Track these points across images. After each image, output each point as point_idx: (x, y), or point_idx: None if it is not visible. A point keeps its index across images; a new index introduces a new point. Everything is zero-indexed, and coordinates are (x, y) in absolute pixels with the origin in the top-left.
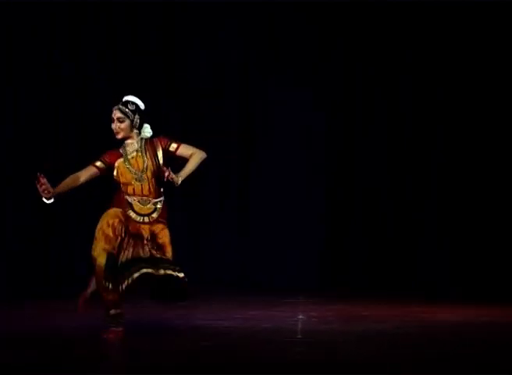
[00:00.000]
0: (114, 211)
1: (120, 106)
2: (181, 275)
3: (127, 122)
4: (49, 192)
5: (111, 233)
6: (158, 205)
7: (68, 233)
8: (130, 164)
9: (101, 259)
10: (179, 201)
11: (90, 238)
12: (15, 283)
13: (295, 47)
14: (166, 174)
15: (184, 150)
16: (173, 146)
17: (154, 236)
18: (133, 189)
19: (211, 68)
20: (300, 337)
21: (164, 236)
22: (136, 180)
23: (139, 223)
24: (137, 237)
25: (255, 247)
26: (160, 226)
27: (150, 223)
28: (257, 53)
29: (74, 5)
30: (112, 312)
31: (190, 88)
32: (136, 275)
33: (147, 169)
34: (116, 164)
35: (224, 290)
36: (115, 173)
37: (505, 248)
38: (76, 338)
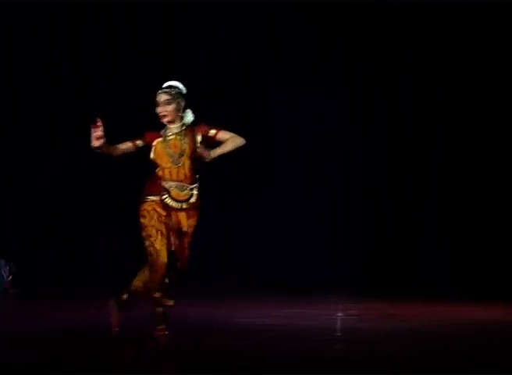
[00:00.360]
0: (153, 205)
1: (166, 89)
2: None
3: (173, 105)
4: (100, 139)
5: (164, 229)
6: (194, 191)
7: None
8: (168, 145)
9: (163, 257)
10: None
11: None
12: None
13: (295, 47)
14: (199, 150)
15: (223, 135)
16: (212, 132)
17: (184, 223)
18: (170, 173)
19: (211, 68)
20: (339, 334)
21: (191, 226)
22: (172, 162)
23: (176, 209)
24: (173, 226)
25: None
26: (192, 213)
27: (187, 209)
28: (257, 53)
29: (74, 5)
30: (160, 309)
31: (190, 88)
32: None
33: (184, 153)
34: (154, 143)
35: (253, 289)
36: (152, 154)
37: (505, 247)
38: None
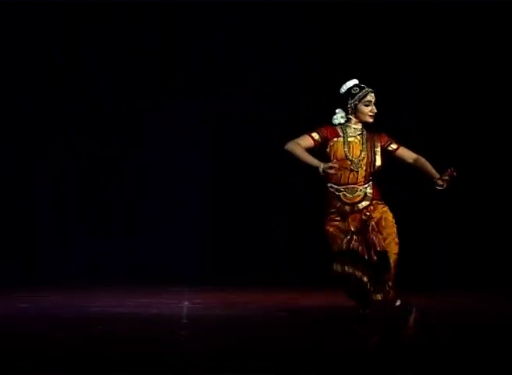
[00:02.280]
0: (334, 227)
1: (373, 90)
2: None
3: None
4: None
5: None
6: (368, 190)
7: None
8: (349, 148)
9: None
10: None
11: None
12: None
13: (294, 47)
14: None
15: (405, 152)
16: (393, 146)
17: (374, 218)
18: (341, 177)
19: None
20: (185, 321)
21: (386, 216)
22: (351, 165)
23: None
24: (360, 227)
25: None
26: (379, 206)
27: (363, 209)
28: (257, 53)
29: (74, 5)
30: None
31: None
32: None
33: (363, 159)
34: (333, 141)
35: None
36: (328, 149)
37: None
38: None
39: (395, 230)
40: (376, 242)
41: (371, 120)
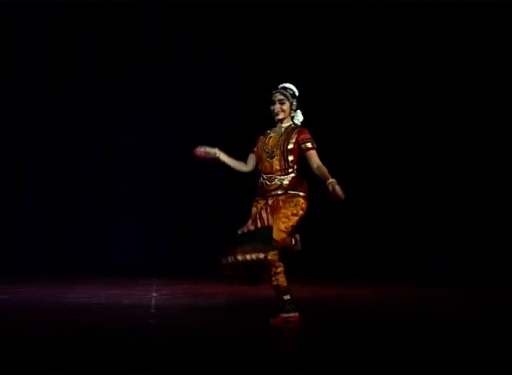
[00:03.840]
0: (255, 208)
1: (280, 89)
2: (261, 256)
3: (287, 104)
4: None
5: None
6: (285, 181)
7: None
8: (267, 141)
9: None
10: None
11: None
12: None
13: (294, 47)
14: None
15: (312, 157)
16: (305, 146)
17: (275, 207)
18: (263, 167)
19: (211, 68)
20: (153, 311)
21: (287, 205)
22: (267, 156)
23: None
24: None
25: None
26: (284, 197)
27: (276, 196)
28: (257, 53)
29: (74, 5)
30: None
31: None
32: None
33: (276, 150)
34: (260, 139)
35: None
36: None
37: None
38: None
39: (287, 220)
40: (264, 218)
41: (276, 117)
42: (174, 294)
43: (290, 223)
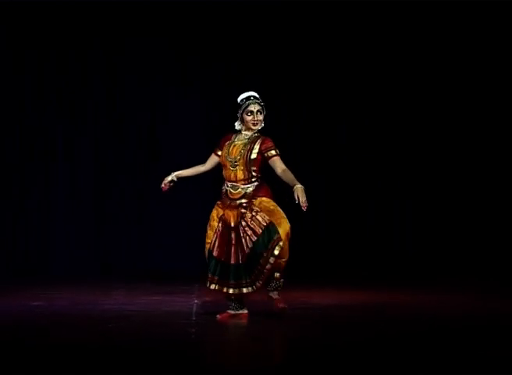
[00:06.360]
0: (215, 211)
1: (257, 100)
2: (249, 290)
3: (263, 114)
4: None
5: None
6: (249, 190)
7: None
8: (231, 149)
9: None
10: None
11: None
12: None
13: (293, 47)
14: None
15: (277, 163)
16: (269, 154)
17: (247, 218)
18: (227, 174)
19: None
20: (194, 319)
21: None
22: (230, 165)
23: (232, 207)
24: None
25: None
26: (255, 202)
27: (241, 206)
28: (257, 53)
29: (74, 5)
30: None
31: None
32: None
33: (239, 159)
34: (224, 145)
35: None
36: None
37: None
38: None
39: (276, 210)
40: (243, 243)
41: (254, 127)
42: (217, 300)
43: (280, 212)
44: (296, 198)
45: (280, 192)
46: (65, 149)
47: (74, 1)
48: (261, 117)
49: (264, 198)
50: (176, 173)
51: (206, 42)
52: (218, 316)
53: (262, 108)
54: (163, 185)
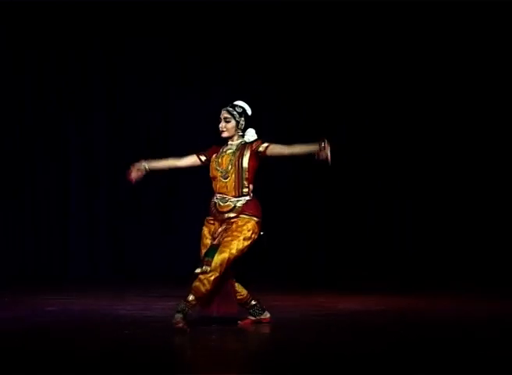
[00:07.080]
0: (207, 228)
1: (228, 108)
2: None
3: (233, 122)
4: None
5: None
6: (239, 204)
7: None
8: (218, 162)
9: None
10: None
11: None
12: None
13: (293, 47)
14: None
15: (276, 147)
16: (263, 146)
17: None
18: (216, 186)
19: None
20: (214, 325)
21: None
22: (221, 175)
23: (219, 221)
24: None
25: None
26: (238, 220)
27: (228, 219)
28: (257, 53)
29: (74, 5)
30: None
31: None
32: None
33: (230, 169)
34: (212, 158)
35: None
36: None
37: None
38: None
39: (239, 242)
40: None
41: (222, 135)
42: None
43: (241, 247)
44: (323, 148)
45: (270, 208)
46: (65, 149)
47: (74, 1)
48: (227, 125)
49: (249, 224)
50: (148, 164)
51: (206, 42)
52: (239, 322)
53: (232, 117)
54: (132, 175)
